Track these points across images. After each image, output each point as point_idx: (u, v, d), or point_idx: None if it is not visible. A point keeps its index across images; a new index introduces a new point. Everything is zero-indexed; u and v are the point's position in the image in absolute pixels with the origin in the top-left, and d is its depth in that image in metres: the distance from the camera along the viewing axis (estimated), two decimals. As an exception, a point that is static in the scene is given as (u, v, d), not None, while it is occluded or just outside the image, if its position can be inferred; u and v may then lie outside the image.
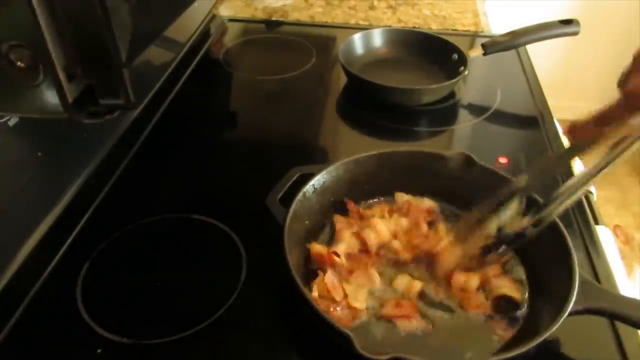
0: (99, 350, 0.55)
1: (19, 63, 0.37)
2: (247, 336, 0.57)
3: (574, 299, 0.51)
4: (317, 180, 0.65)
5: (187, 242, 0.69)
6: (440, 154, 0.70)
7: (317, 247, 0.62)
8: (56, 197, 0.68)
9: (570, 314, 0.51)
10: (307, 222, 0.64)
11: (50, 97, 0.38)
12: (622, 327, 0.57)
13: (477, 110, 0.96)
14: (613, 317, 0.54)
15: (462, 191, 0.68)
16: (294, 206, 0.61)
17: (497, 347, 0.54)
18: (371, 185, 0.70)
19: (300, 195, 0.63)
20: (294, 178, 0.66)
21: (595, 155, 0.51)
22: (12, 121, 0.59)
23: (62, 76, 0.37)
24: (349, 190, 0.68)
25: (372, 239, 0.62)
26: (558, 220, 0.59)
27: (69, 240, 0.67)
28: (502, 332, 0.56)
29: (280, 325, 0.59)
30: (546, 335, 0.49)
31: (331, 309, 0.56)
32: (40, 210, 0.66)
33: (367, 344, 0.47)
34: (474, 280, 0.58)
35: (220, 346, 0.56)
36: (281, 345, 0.57)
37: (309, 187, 0.64)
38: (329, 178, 0.67)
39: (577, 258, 0.55)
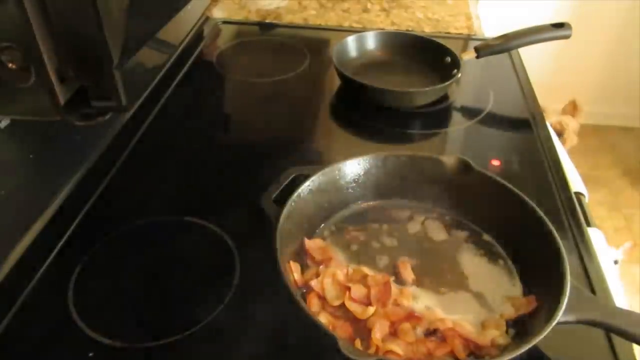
0: (90, 354, 0.55)
1: (10, 64, 0.36)
2: (241, 339, 0.57)
3: (562, 309, 0.51)
4: (312, 182, 0.65)
5: (180, 245, 0.69)
6: (438, 158, 0.69)
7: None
8: (48, 199, 0.68)
9: (560, 324, 0.50)
10: (301, 223, 0.64)
11: (42, 98, 0.38)
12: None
13: (470, 112, 0.97)
14: (604, 328, 0.54)
15: (458, 196, 0.69)
16: (288, 206, 0.61)
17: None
18: (366, 188, 0.70)
19: (295, 196, 0.62)
20: (290, 178, 0.66)
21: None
22: (4, 123, 0.59)
23: (53, 78, 0.37)
24: (344, 192, 0.68)
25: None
26: (552, 228, 0.59)
27: (60, 243, 0.67)
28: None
29: (273, 330, 0.58)
30: (532, 344, 0.49)
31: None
32: (32, 212, 0.65)
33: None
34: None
35: (213, 349, 0.56)
36: (275, 348, 0.57)
37: (304, 188, 0.64)
38: (325, 180, 0.66)
39: (569, 261, 0.55)
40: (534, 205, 0.62)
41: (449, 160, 0.69)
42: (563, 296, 0.52)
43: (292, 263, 0.59)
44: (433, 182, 0.69)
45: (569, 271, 0.54)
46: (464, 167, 0.68)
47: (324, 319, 0.55)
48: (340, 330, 0.54)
